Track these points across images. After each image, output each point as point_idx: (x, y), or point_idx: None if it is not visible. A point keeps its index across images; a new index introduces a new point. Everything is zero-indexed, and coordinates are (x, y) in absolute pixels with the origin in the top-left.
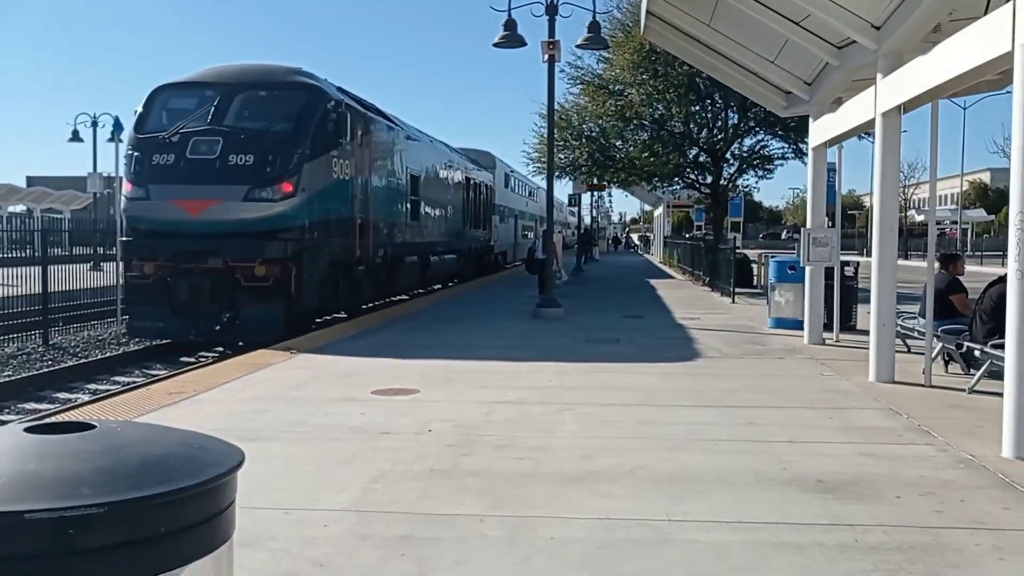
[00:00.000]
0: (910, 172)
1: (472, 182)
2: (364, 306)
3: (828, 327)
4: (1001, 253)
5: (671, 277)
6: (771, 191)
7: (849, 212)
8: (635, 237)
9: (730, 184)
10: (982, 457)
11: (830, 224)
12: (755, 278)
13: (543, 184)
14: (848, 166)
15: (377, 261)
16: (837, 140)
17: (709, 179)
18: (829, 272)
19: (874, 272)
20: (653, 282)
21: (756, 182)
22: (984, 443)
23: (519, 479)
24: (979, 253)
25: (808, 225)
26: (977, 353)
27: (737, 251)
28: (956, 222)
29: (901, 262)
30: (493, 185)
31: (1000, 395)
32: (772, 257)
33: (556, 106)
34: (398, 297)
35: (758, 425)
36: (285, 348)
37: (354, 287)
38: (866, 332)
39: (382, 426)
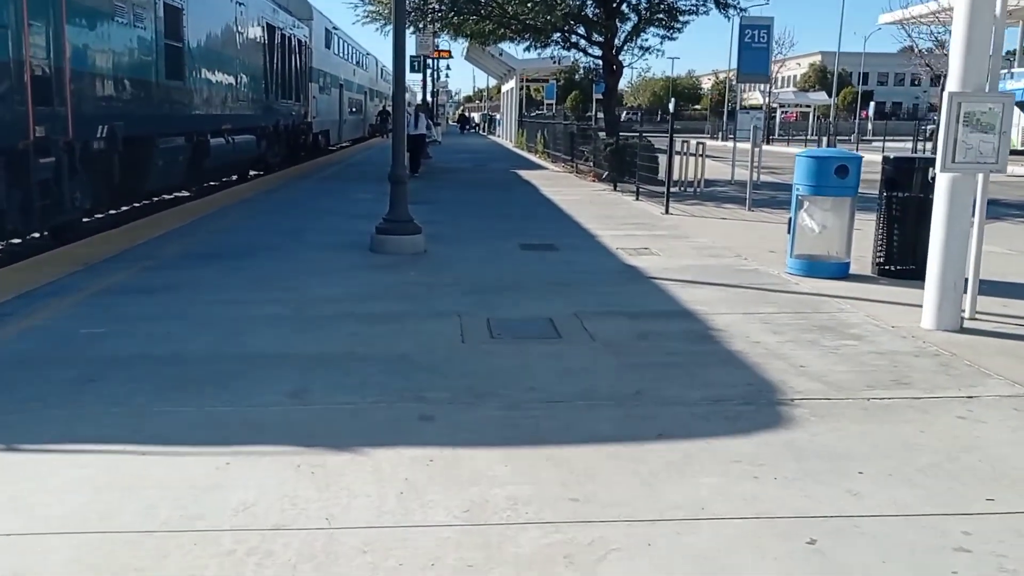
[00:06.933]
0: (776, 49)
1: (281, 35)
2: (85, 220)
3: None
4: (847, 137)
5: (541, 167)
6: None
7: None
8: (476, 116)
9: (625, 46)
10: None
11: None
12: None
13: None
14: (679, 45)
15: (96, 146)
16: None
17: (599, 39)
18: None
19: None
20: (524, 175)
21: (660, 43)
22: None
23: None
24: (833, 137)
25: (954, 87)
26: None
27: (639, 136)
28: (798, 105)
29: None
30: (310, 43)
31: None
32: (803, 153)
33: None
34: (166, 198)
35: None
36: None
37: (36, 197)
38: (998, 292)
39: None
